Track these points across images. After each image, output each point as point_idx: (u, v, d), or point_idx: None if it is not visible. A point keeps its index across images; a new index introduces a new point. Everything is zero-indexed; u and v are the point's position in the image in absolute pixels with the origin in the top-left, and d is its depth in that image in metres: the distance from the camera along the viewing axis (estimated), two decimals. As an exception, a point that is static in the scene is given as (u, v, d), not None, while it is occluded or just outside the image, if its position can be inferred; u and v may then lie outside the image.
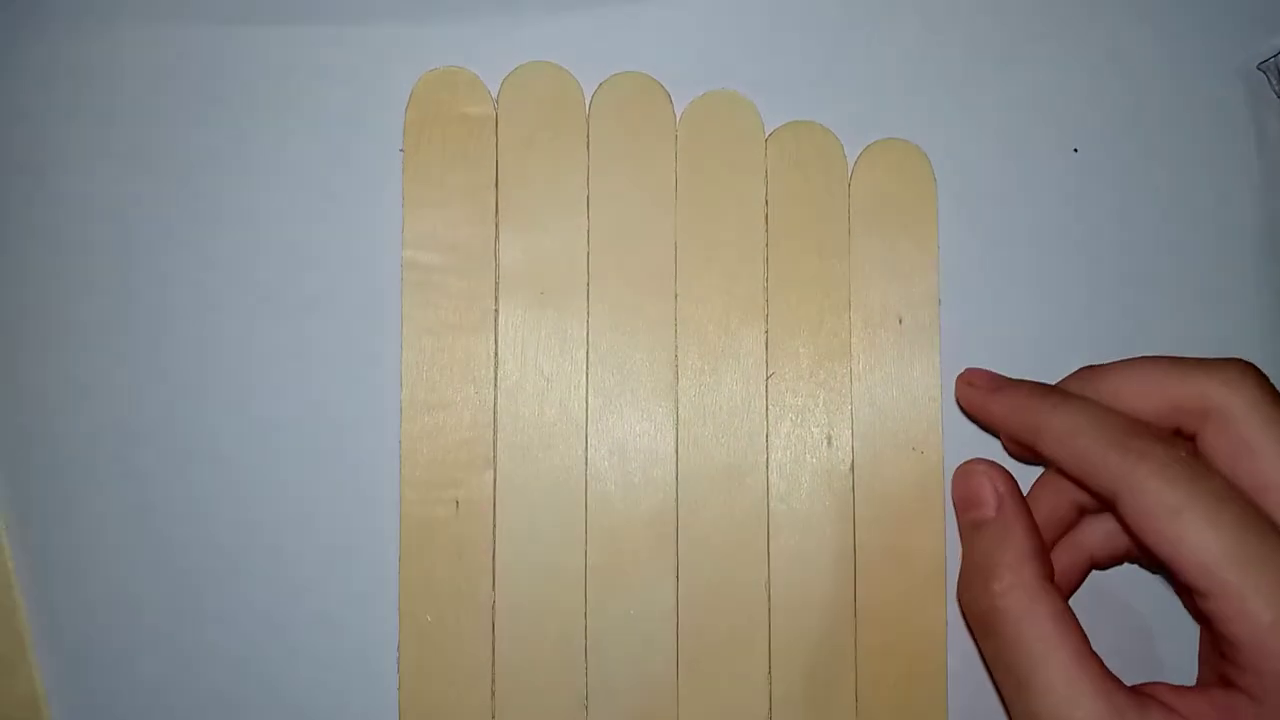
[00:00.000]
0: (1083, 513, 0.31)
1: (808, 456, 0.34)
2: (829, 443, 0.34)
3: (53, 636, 0.33)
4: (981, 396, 0.31)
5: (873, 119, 0.34)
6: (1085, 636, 0.27)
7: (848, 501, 0.33)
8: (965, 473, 0.31)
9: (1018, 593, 0.28)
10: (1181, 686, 0.28)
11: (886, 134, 0.34)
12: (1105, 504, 0.27)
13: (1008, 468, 0.31)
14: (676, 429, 0.33)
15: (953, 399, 0.34)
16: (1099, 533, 0.31)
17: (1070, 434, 0.28)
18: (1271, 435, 0.27)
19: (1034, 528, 0.29)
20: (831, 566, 0.33)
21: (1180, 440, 0.28)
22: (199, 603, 0.32)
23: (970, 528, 0.31)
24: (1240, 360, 0.28)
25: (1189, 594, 0.27)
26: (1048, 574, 0.28)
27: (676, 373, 0.34)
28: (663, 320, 0.34)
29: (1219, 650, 0.26)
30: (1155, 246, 0.35)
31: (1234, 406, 0.27)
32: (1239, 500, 0.26)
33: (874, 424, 0.34)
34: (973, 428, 0.34)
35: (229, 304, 0.33)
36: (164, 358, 0.33)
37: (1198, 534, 0.25)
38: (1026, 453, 0.32)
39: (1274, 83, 0.35)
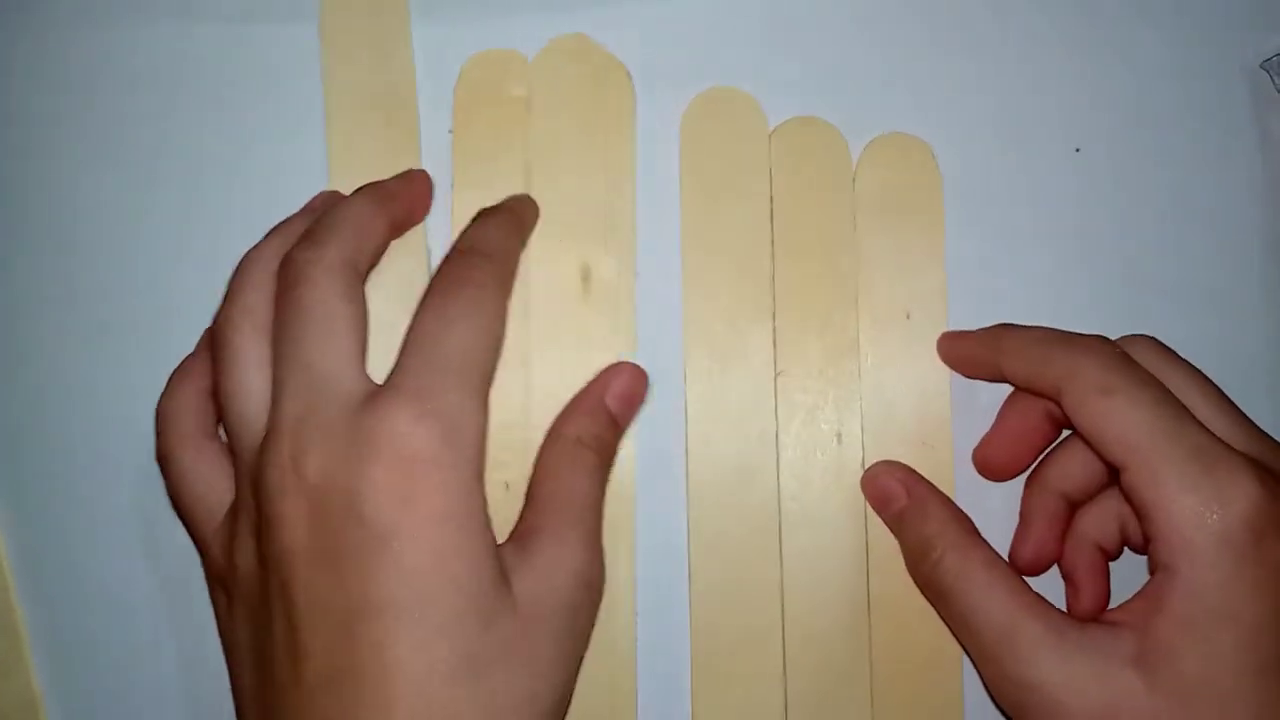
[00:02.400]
0: (1054, 424, 0.32)
1: (818, 454, 0.33)
2: (839, 440, 0.33)
3: (50, 638, 0.33)
4: (955, 337, 0.34)
5: (875, 115, 0.34)
6: (1021, 578, 0.30)
7: (859, 498, 0.33)
8: (869, 478, 0.33)
9: (951, 554, 0.30)
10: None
11: (890, 130, 0.34)
12: (1053, 397, 0.30)
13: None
14: (686, 427, 0.33)
15: (962, 393, 0.33)
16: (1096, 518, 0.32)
17: (1026, 344, 0.31)
18: (1176, 368, 0.30)
19: (945, 498, 0.32)
20: (844, 563, 0.33)
21: (1114, 342, 0.31)
22: (198, 604, 0.31)
23: (894, 521, 0.33)
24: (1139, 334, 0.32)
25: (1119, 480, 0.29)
26: (971, 529, 0.31)
27: (684, 372, 0.33)
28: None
29: (1144, 536, 0.28)
30: (1157, 244, 0.35)
31: (1139, 350, 0.31)
32: (1160, 386, 0.29)
33: (884, 420, 0.33)
34: (981, 422, 0.34)
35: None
36: (168, 358, 0.33)
37: (1122, 411, 0.28)
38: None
39: (1278, 81, 0.35)
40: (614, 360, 0.33)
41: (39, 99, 0.33)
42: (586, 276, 0.33)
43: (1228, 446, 0.28)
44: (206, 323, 0.33)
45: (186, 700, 0.33)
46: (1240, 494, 0.27)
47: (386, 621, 0.25)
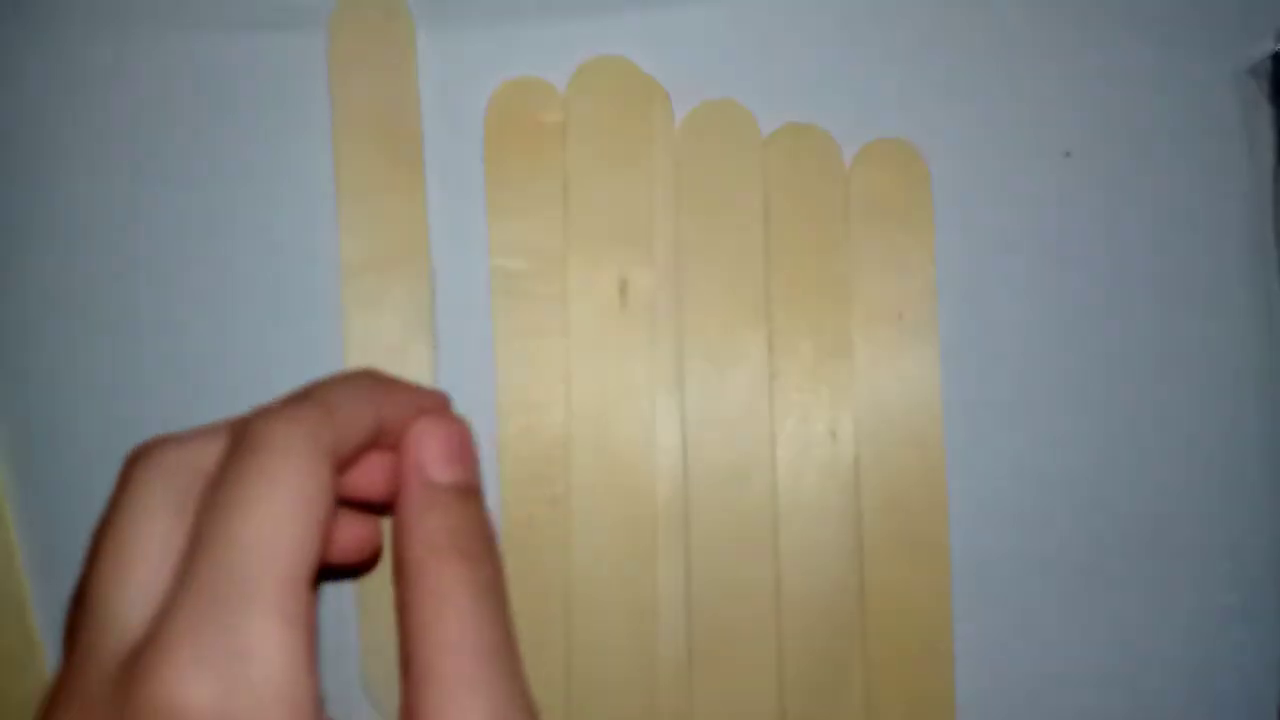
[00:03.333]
0: None
1: (813, 452, 0.34)
2: (833, 438, 0.34)
3: (63, 634, 0.33)
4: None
5: (867, 121, 0.35)
6: None
7: (852, 495, 0.34)
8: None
9: None
10: None
11: (882, 135, 0.35)
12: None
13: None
14: (683, 429, 0.34)
15: (953, 390, 0.34)
16: None
17: None
18: None
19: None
20: (838, 558, 0.33)
21: None
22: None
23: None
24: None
25: None
26: None
27: (682, 374, 0.34)
28: (668, 322, 0.34)
29: None
30: (1145, 248, 0.35)
31: None
32: None
33: (877, 418, 0.34)
34: (974, 420, 0.34)
35: (245, 307, 0.34)
36: (184, 357, 0.34)
37: None
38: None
39: (1265, 87, 0.36)
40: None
41: (49, 104, 0.34)
42: (624, 289, 0.34)
43: None
44: (209, 325, 0.34)
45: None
46: None
47: None
